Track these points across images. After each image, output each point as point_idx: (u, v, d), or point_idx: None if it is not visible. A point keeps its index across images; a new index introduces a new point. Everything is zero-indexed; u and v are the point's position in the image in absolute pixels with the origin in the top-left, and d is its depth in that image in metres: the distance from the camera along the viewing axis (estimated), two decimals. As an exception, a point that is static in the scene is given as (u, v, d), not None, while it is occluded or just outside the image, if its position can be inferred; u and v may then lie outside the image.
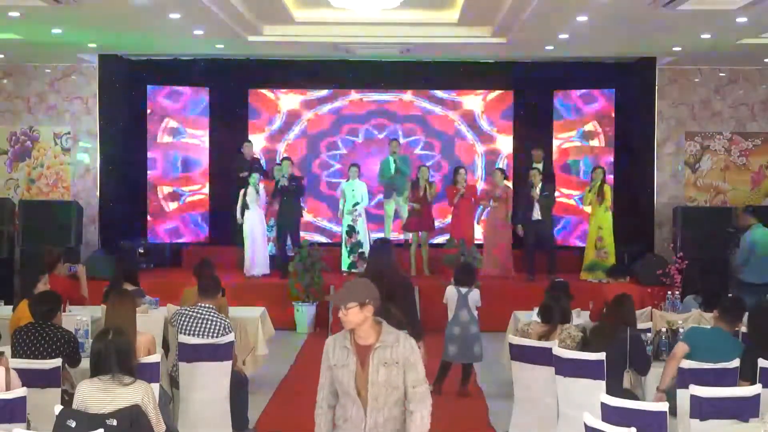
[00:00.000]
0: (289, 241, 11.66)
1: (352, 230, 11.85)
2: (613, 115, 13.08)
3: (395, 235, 12.39)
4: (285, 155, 12.73)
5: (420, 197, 11.82)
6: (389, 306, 5.67)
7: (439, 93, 13.57)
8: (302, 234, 12.04)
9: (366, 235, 11.86)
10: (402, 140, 13.02)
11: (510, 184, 12.39)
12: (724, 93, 12.75)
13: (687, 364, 5.38)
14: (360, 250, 11.75)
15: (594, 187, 11.48)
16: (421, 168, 12.04)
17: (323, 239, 13.12)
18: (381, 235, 12.08)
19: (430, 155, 13.45)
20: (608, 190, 11.54)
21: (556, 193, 12.26)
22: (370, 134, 13.50)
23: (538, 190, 11.40)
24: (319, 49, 11.85)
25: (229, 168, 12.33)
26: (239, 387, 6.35)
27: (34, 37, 10.62)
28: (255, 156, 12.59)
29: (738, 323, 5.77)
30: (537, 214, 11.41)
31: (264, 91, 13.56)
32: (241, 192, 11.52)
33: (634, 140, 12.72)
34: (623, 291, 6.63)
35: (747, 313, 5.91)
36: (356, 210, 11.85)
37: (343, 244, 11.94)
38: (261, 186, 11.58)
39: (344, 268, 11.85)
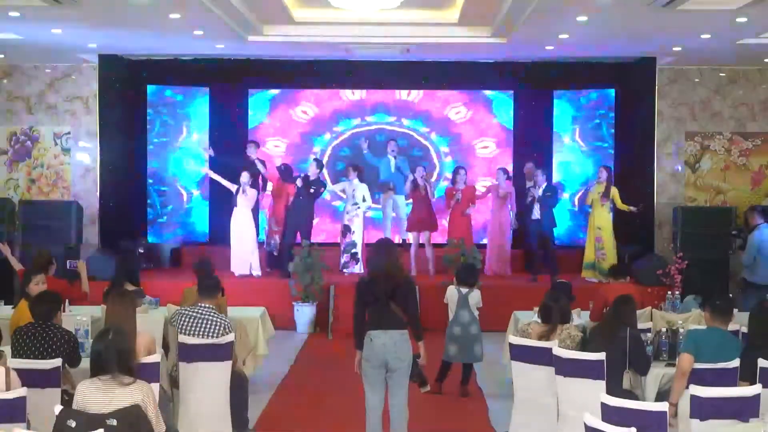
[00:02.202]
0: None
1: (347, 230, 11.83)
2: (613, 115, 13.08)
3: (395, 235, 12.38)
4: (315, 156, 12.69)
5: (422, 197, 11.82)
6: (391, 305, 5.71)
7: (438, 93, 13.56)
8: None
9: (361, 236, 11.82)
10: (401, 140, 13.00)
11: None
12: (724, 93, 12.74)
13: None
14: (353, 251, 11.73)
15: (600, 186, 11.49)
16: (419, 167, 12.03)
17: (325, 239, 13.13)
18: (380, 235, 12.05)
19: (429, 155, 13.43)
20: (615, 193, 11.50)
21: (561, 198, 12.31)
22: (369, 134, 13.46)
23: (540, 190, 11.40)
24: (319, 49, 11.84)
25: (228, 168, 12.32)
26: (239, 387, 6.36)
27: (34, 37, 10.62)
28: (257, 158, 12.55)
29: (730, 320, 5.76)
30: (536, 214, 11.43)
31: (264, 90, 13.55)
32: (236, 188, 11.57)
33: (634, 140, 12.71)
34: (623, 291, 6.64)
35: (748, 313, 5.93)
36: (356, 210, 11.82)
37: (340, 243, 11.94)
38: (253, 190, 11.58)
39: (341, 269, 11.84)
